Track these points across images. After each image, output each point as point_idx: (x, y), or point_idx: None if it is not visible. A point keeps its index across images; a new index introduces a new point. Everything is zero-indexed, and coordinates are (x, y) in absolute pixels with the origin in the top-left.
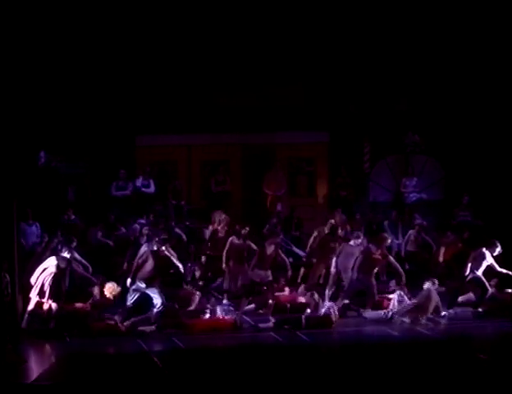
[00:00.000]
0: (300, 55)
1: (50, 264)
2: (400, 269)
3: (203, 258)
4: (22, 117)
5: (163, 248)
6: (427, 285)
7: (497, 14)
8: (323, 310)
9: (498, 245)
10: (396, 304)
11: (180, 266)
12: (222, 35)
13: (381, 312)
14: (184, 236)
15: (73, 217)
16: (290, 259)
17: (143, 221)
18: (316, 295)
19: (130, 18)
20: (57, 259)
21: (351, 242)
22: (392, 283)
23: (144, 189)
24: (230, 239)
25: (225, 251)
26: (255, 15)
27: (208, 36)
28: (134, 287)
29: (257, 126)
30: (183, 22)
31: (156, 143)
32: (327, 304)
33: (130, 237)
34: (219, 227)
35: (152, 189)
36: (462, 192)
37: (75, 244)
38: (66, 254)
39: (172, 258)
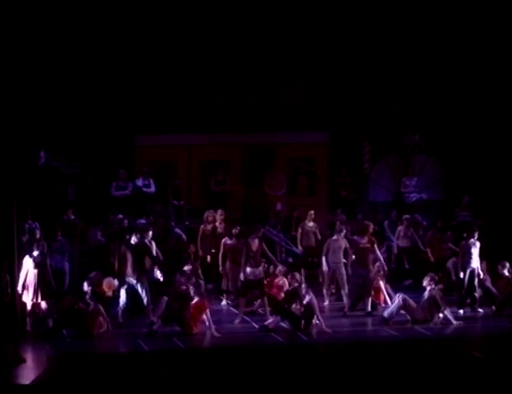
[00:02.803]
0: (300, 55)
1: (28, 266)
2: (382, 260)
3: (209, 258)
4: (22, 117)
5: (136, 239)
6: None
7: (496, 12)
8: (305, 301)
9: (476, 229)
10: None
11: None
12: (222, 35)
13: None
14: (184, 236)
15: (73, 217)
16: (290, 259)
17: (143, 221)
18: (298, 276)
19: (131, 19)
20: (31, 256)
21: (334, 237)
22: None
23: (144, 189)
24: (223, 240)
25: (220, 254)
26: (255, 15)
27: (208, 36)
28: (124, 286)
29: (257, 126)
30: (183, 22)
31: (156, 143)
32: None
33: (116, 229)
34: (217, 224)
35: (152, 188)
36: (462, 192)
37: (43, 247)
38: (35, 253)
39: (153, 249)
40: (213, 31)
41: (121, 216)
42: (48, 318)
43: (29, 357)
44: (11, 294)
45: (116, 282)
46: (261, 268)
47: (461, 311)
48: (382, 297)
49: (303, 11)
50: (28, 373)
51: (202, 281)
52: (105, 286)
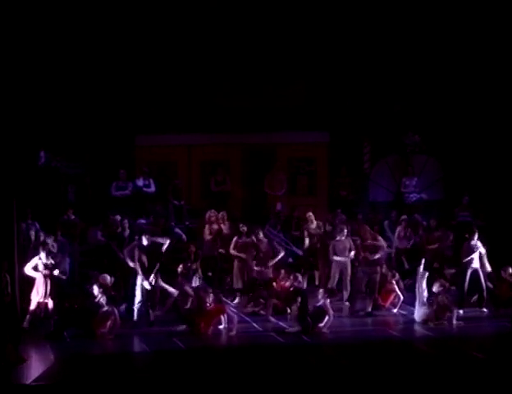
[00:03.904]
0: (300, 55)
1: (39, 267)
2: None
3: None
4: (22, 117)
5: (146, 240)
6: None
7: (496, 12)
8: (318, 303)
9: (475, 229)
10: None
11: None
12: (222, 36)
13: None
14: (184, 236)
15: (73, 217)
16: (290, 259)
17: (143, 221)
18: (300, 277)
19: (131, 19)
20: (41, 258)
21: (337, 238)
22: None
23: (144, 189)
24: (234, 239)
25: (233, 253)
26: (255, 15)
27: (207, 36)
28: (136, 285)
29: (257, 126)
30: (183, 22)
31: (156, 143)
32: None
33: (115, 230)
34: (222, 225)
35: (152, 188)
36: (462, 192)
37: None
38: (43, 256)
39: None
40: (213, 31)
41: (118, 217)
42: (49, 318)
43: (29, 357)
44: (11, 294)
45: (111, 279)
46: (270, 268)
47: (461, 311)
48: (389, 301)
49: (302, 12)
50: (28, 373)
51: (202, 282)
52: (101, 281)
